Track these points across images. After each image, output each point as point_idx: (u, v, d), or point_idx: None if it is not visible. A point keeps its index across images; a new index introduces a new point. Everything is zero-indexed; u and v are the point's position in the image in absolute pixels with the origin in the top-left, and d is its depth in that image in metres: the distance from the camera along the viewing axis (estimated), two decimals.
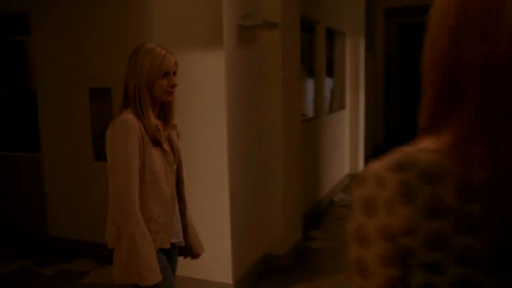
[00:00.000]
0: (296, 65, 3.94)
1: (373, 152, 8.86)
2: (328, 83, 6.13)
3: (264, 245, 3.81)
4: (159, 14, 3.21)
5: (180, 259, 2.23)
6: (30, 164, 4.60)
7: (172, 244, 2.02)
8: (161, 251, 1.95)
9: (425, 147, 0.73)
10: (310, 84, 5.58)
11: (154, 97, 1.93)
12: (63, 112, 4.27)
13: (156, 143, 1.92)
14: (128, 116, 1.86)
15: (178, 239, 2.08)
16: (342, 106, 6.67)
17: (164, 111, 2.03)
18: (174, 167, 2.04)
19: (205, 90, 3.14)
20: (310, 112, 5.57)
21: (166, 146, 1.98)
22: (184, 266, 3.44)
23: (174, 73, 1.98)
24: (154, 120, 1.93)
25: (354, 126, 7.04)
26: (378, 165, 0.74)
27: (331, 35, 6.06)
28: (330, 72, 6.22)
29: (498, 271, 0.67)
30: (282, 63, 3.59)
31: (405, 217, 0.70)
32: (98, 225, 4.20)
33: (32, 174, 4.55)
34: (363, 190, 0.74)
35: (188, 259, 2.24)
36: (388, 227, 0.72)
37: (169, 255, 2.04)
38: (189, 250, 2.17)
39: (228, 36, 3.08)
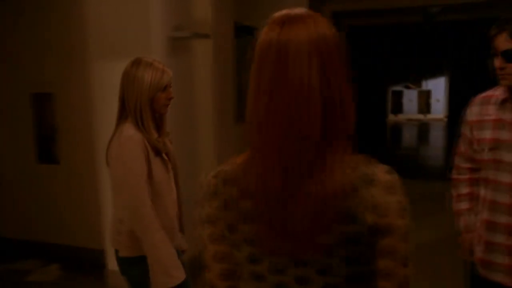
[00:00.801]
0: (229, 70, 4.19)
1: None
2: None
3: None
4: (94, 23, 3.39)
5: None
6: None
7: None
8: None
9: (235, 161, 1.02)
10: None
11: (153, 109, 2.02)
12: (6, 116, 4.39)
13: (157, 153, 2.02)
14: (132, 131, 1.95)
15: (176, 241, 2.16)
16: None
17: (158, 120, 2.10)
18: (171, 173, 2.15)
19: None
20: None
21: (164, 156, 2.08)
22: None
23: (170, 86, 2.08)
24: (154, 132, 2.02)
25: None
26: (211, 172, 1.05)
27: None
28: None
29: (273, 250, 0.95)
30: (214, 70, 3.84)
31: (215, 208, 1.00)
32: (43, 225, 4.37)
33: None
34: (202, 189, 1.04)
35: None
36: (208, 215, 1.02)
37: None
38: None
39: (158, 47, 3.30)
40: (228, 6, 4.13)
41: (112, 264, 3.69)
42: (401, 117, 17.52)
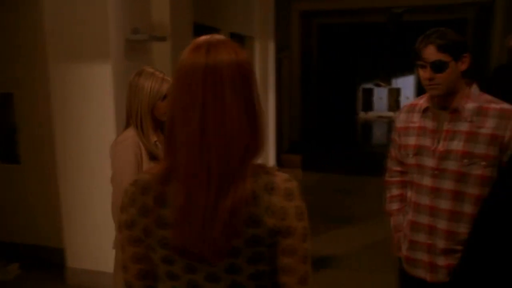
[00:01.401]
0: None
1: (290, 147, 9.38)
2: None
3: None
4: (52, 25, 3.41)
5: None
6: None
7: None
8: None
9: (151, 171, 1.11)
10: None
11: (154, 117, 2.13)
12: None
13: (153, 158, 2.11)
14: (129, 134, 2.08)
15: None
16: None
17: (162, 127, 2.19)
18: None
19: (96, 98, 3.40)
20: None
21: None
22: (78, 258, 3.69)
23: None
24: (153, 138, 2.13)
25: None
26: (130, 181, 1.12)
27: (240, 39, 6.41)
28: None
29: (183, 253, 1.04)
30: (172, 71, 3.90)
31: (132, 215, 1.09)
32: (2, 224, 4.36)
33: None
34: (124, 196, 1.12)
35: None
36: (125, 221, 1.10)
37: None
38: None
39: (116, 49, 3.35)
40: (187, 7, 4.19)
41: (72, 262, 3.73)
42: (371, 114, 17.83)
